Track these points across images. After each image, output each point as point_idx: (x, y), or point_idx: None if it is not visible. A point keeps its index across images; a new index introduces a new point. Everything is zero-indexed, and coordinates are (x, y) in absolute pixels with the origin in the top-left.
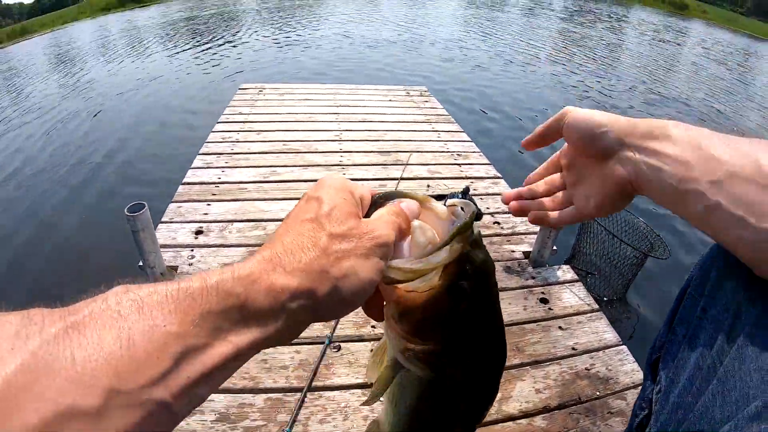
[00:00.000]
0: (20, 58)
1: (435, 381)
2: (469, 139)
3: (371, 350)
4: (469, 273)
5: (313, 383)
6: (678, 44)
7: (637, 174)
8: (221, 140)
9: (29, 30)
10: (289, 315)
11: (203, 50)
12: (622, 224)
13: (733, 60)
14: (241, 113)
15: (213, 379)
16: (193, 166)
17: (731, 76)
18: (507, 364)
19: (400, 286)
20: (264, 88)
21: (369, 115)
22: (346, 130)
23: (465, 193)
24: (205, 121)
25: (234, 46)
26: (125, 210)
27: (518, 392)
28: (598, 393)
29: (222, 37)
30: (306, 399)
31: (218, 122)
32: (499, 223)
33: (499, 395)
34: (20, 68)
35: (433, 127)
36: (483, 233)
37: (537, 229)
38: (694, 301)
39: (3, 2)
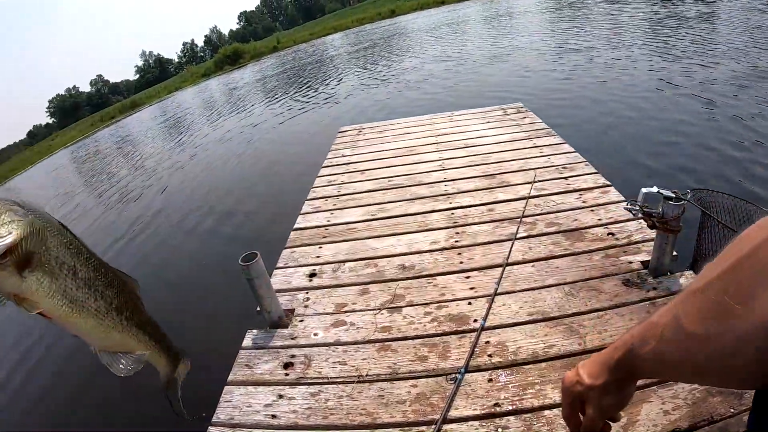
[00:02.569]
0: (133, 128)
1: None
2: (572, 150)
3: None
4: (36, 230)
5: (429, 416)
6: None
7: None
8: (327, 184)
9: (138, 103)
10: None
11: (298, 99)
12: (741, 215)
13: None
14: (343, 155)
15: None
16: (302, 211)
17: None
18: None
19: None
20: (363, 129)
21: (469, 140)
22: (449, 159)
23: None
24: (308, 167)
25: (328, 92)
26: (239, 260)
27: (645, 415)
28: (732, 410)
29: (316, 84)
30: None
31: (322, 167)
32: (613, 234)
33: (624, 419)
34: (134, 137)
35: (534, 143)
36: (597, 246)
37: (653, 235)
38: None
39: (111, 82)
